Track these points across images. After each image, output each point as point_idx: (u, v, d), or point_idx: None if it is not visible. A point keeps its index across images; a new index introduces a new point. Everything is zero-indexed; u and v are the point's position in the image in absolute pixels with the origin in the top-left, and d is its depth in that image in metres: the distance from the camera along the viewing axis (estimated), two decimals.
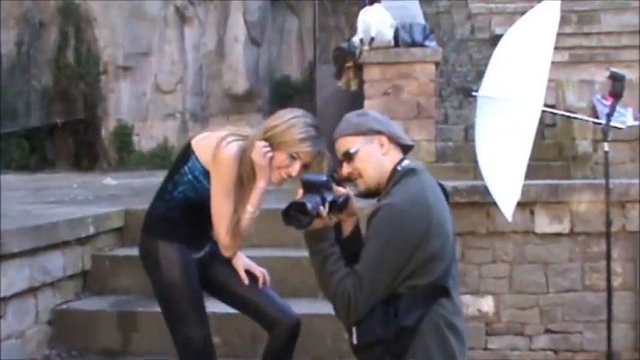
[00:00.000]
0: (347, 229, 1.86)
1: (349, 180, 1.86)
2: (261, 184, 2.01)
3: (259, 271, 2.27)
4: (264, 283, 2.26)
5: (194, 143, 2.08)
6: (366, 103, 4.96)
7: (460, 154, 5.31)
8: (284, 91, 9.03)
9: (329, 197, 1.73)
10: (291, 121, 1.99)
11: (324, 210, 1.70)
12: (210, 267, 2.21)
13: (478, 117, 3.45)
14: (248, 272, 2.25)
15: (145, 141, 8.61)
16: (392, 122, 1.90)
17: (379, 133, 1.82)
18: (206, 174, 2.04)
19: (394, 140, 1.84)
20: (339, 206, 1.78)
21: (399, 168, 1.79)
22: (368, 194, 1.84)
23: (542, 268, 3.45)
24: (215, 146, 1.99)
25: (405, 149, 1.88)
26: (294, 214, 1.65)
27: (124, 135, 8.51)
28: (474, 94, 3.59)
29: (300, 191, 1.74)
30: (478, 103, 3.49)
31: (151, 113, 8.63)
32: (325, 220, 1.73)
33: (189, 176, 2.06)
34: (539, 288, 3.45)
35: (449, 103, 6.80)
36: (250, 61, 8.74)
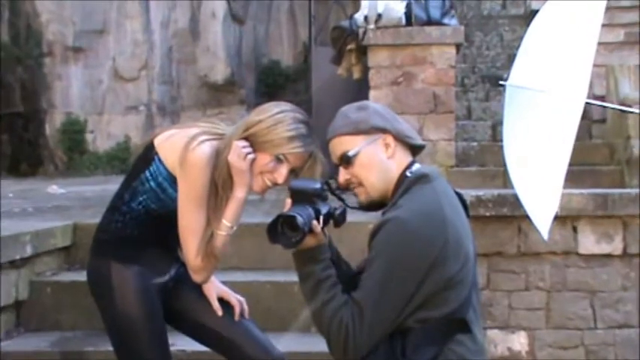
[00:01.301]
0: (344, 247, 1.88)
1: (347, 189, 1.87)
2: (239, 192, 2.02)
3: (236, 299, 2.26)
4: (242, 314, 2.26)
5: (158, 143, 2.09)
6: (372, 94, 4.96)
7: (486, 156, 5.32)
8: (273, 79, 9.07)
9: (324, 209, 1.74)
10: (278, 116, 1.99)
11: (317, 225, 1.70)
12: (177, 295, 2.21)
13: (507, 111, 3.45)
14: (222, 301, 2.25)
15: (101, 140, 8.62)
16: (399, 118, 1.91)
17: (384, 131, 1.83)
18: (172, 180, 2.05)
19: (402, 140, 1.85)
20: (336, 220, 1.78)
21: (408, 174, 1.80)
22: (370, 206, 1.85)
23: (587, 297, 3.46)
24: (183, 147, 2.00)
25: (416, 151, 1.89)
26: (282, 229, 1.66)
27: (74, 132, 8.52)
28: (503, 83, 3.60)
29: (289, 202, 1.75)
30: (507, 94, 3.50)
31: (109, 106, 8.65)
32: (319, 237, 1.74)
33: (152, 183, 2.07)
34: (585, 322, 3.45)
35: (473, 95, 6.83)
36: (231, 43, 8.77)
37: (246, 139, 2.00)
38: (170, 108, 8.74)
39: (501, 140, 3.63)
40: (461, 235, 1.73)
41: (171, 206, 2.05)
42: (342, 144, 1.84)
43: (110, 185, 5.47)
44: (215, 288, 2.25)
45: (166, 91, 8.76)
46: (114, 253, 2.10)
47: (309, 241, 1.72)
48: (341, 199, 1.86)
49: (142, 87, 8.67)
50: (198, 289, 2.22)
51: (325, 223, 1.74)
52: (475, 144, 5.57)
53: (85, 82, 8.58)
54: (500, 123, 4.41)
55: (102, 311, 2.13)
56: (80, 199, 5.35)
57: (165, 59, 8.72)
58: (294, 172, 2.03)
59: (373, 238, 1.73)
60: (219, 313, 2.22)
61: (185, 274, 2.14)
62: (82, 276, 2.55)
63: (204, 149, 2.00)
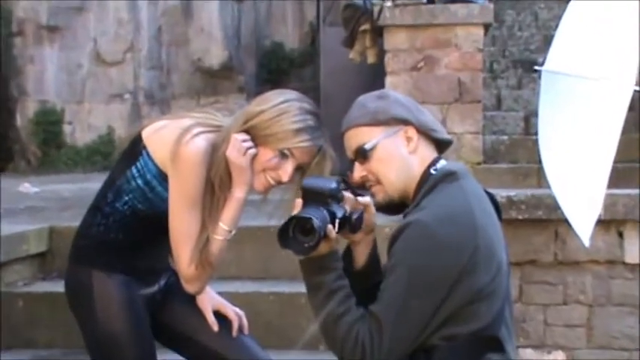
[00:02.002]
0: (360, 254, 1.88)
1: (363, 187, 1.88)
2: (239, 192, 2.02)
3: (234, 312, 2.27)
4: (241, 329, 2.26)
5: (146, 135, 2.09)
6: (388, 81, 4.96)
7: (518, 151, 5.32)
8: (275, 64, 9.08)
9: (339, 212, 1.75)
10: (282, 106, 2.00)
11: (333, 230, 1.72)
12: (166, 307, 2.22)
13: (543, 101, 3.45)
14: (218, 315, 2.25)
15: (80, 132, 8.65)
16: (423, 108, 1.91)
17: (405, 122, 1.83)
18: (162, 178, 2.05)
19: (426, 133, 1.85)
20: (352, 224, 1.80)
21: (432, 171, 1.80)
22: (389, 207, 1.85)
23: (635, 313, 3.46)
24: (176, 140, 2.00)
25: (441, 145, 1.89)
26: (294, 234, 1.67)
27: (50, 123, 8.54)
28: (538, 69, 3.59)
29: (300, 202, 1.76)
30: (543, 81, 3.49)
31: (89, 93, 8.67)
32: (332, 243, 1.75)
33: (139, 181, 2.07)
34: (632, 342, 3.45)
35: (503, 82, 6.83)
36: (229, 23, 8.78)
37: (246, 131, 2.00)
38: (159, 96, 8.75)
39: (536, 133, 3.64)
40: (493, 241, 1.73)
41: (160, 207, 2.06)
42: (358, 136, 1.84)
43: (91, 183, 5.48)
44: (210, 300, 2.25)
45: (155, 77, 8.77)
46: (95, 261, 2.11)
47: (322, 248, 1.72)
48: (362, 196, 1.87)
49: (127, 72, 8.69)
50: (191, 301, 2.22)
51: (340, 227, 1.75)
52: (505, 138, 5.57)
53: (61, 66, 8.60)
54: (535, 114, 4.41)
55: (81, 326, 2.13)
56: (57, 200, 5.37)
57: (154, 41, 8.74)
58: (300, 170, 2.03)
59: (393, 244, 1.72)
60: (215, 328, 2.22)
61: (176, 285, 2.14)
62: (58, 286, 2.56)
63: (198, 143, 2.00)
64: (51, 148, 8.54)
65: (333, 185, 1.77)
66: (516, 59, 7.12)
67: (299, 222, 1.67)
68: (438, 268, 1.67)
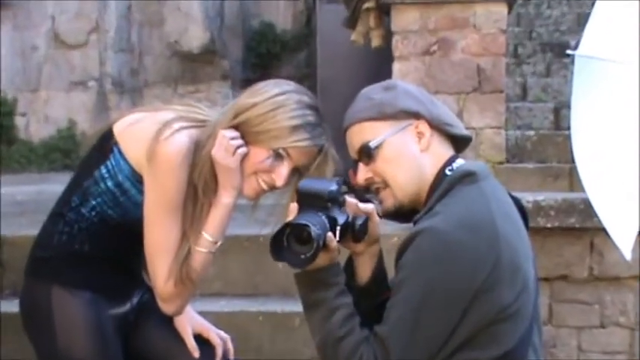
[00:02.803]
0: (364, 267, 1.89)
1: (367, 191, 1.90)
2: (226, 197, 2.04)
3: (218, 336, 2.28)
4: (226, 355, 2.28)
5: (118, 130, 2.11)
6: (396, 67, 4.96)
7: (547, 149, 5.32)
8: (265, 47, 9.07)
9: (341, 218, 1.77)
10: (278, 98, 2.01)
11: (333, 238, 1.73)
12: (140, 330, 2.23)
13: (577, 90, 3.46)
14: (200, 338, 2.26)
15: (36, 125, 8.64)
16: (436, 100, 1.93)
17: (416, 116, 1.85)
18: (136, 180, 2.07)
19: (440, 128, 1.87)
20: (356, 232, 1.81)
21: (447, 171, 1.82)
22: (398, 214, 1.87)
23: None
24: (152, 136, 2.01)
25: (458, 142, 1.91)
26: (289, 243, 1.68)
27: None
28: (570, 53, 3.60)
29: (295, 207, 1.78)
30: (577, 67, 3.50)
31: (47, 80, 8.65)
32: (333, 254, 1.76)
33: (109, 183, 2.09)
34: None
35: (530, 68, 6.84)
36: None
37: (235, 127, 2.02)
38: (130, 84, 8.74)
39: (568, 128, 3.64)
40: (518, 253, 1.74)
41: (134, 214, 2.07)
42: (363, 132, 1.86)
43: (49, 185, 5.48)
44: (190, 321, 2.27)
45: (124, 61, 8.75)
46: (56, 275, 2.12)
47: (321, 259, 1.73)
48: (367, 200, 1.89)
49: (91, 56, 8.67)
50: (168, 322, 2.23)
51: (342, 236, 1.76)
52: (532, 133, 5.56)
53: (14, 49, 8.58)
54: (567, 105, 4.42)
55: (38, 351, 2.13)
56: (9, 204, 5.35)
57: (123, 20, 8.73)
58: (297, 173, 2.04)
59: (401, 255, 1.74)
60: (196, 354, 2.23)
61: (151, 303, 2.16)
62: (12, 306, 2.57)
63: (179, 140, 2.01)
64: (1, 143, 8.52)
65: (333, 187, 1.78)
66: (545, 42, 7.13)
67: (294, 230, 1.68)
68: (453, 283, 1.68)
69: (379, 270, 1.90)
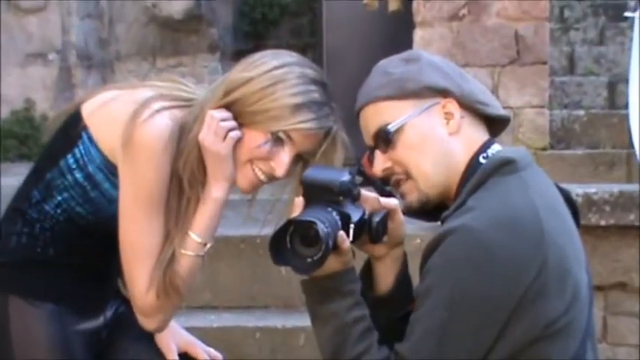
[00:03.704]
0: (385, 274, 1.90)
1: (387, 184, 1.90)
2: (216, 191, 2.05)
3: (207, 354, 2.30)
4: None
5: (88, 112, 2.11)
6: (417, 35, 4.97)
7: (599, 132, 5.31)
8: (260, 12, 9.06)
9: (355, 214, 1.77)
10: (277, 72, 2.02)
11: (346, 238, 1.74)
12: (115, 348, 2.25)
13: (636, 60, 3.45)
14: (187, 357, 2.28)
15: None
16: (467, 74, 1.93)
17: (443, 93, 1.86)
18: (110, 171, 2.08)
19: (472, 107, 1.87)
20: (373, 231, 1.82)
21: (481, 159, 1.83)
22: (423, 210, 1.87)
23: None
24: (129, 119, 2.02)
25: (494, 124, 1.91)
26: (292, 244, 1.69)
27: None
28: (629, 15, 3.60)
29: (301, 202, 1.78)
30: (636, 33, 3.49)
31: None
32: (345, 258, 1.77)
33: (78, 175, 2.09)
34: None
35: (579, 35, 6.83)
36: None
37: (227, 107, 2.03)
38: (98, 56, 8.74)
39: (625, 106, 3.64)
40: (567, 255, 1.74)
41: (107, 211, 2.08)
42: (380, 113, 1.86)
43: (3, 178, 5.47)
44: (175, 337, 2.29)
45: (92, 29, 8.75)
46: (14, 284, 2.13)
47: (332, 264, 1.74)
48: (389, 194, 1.89)
49: (52, 23, 8.67)
50: (148, 339, 2.25)
51: (357, 235, 1.76)
52: (582, 113, 5.57)
53: None
54: (624, 79, 4.41)
55: None
56: None
57: None
58: (301, 160, 2.06)
59: (427, 259, 1.74)
60: None
61: (128, 317, 2.17)
62: None
63: (161, 122, 2.02)
64: None
65: (345, 177, 1.79)
66: (597, 3, 7.10)
67: (298, 228, 1.68)
68: (490, 293, 1.67)
69: (403, 277, 1.91)
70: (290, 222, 1.69)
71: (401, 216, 1.88)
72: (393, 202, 1.87)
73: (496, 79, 4.87)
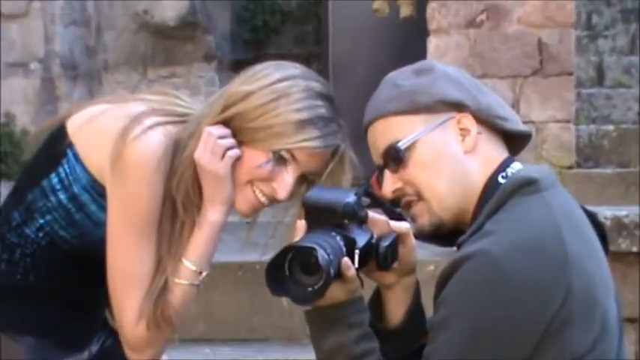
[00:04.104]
0: (395, 305, 1.91)
1: (396, 205, 1.90)
2: (213, 214, 2.06)
3: None
4: None
5: (74, 128, 2.12)
6: (432, 44, 4.98)
7: (630, 149, 5.30)
8: (261, 19, 9.08)
9: (361, 238, 1.78)
10: (280, 85, 2.03)
11: (351, 265, 1.74)
12: None
13: None
14: None
15: None
16: (484, 87, 1.94)
17: (458, 107, 1.87)
18: (97, 192, 2.08)
19: (490, 122, 1.88)
20: (382, 257, 1.82)
21: (500, 179, 1.83)
22: (436, 234, 1.88)
23: None
24: (119, 135, 2.02)
25: (514, 141, 1.92)
26: (292, 272, 1.69)
27: None
28: None
29: (303, 225, 1.79)
30: None
31: None
32: (351, 286, 1.77)
33: (62, 196, 2.10)
34: None
35: (607, 43, 6.83)
36: None
37: (225, 123, 2.04)
38: (85, 67, 8.73)
39: None
40: (595, 284, 1.73)
41: (94, 235, 2.09)
42: (389, 129, 1.87)
43: None
44: None
45: (77, 37, 8.76)
46: None
47: (337, 293, 1.74)
48: (400, 217, 1.89)
49: (34, 30, 8.68)
50: None
51: (363, 262, 1.77)
52: (611, 128, 5.56)
53: None
54: None
55: None
56: None
57: None
58: (305, 181, 2.07)
59: (442, 287, 1.74)
60: None
61: (116, 351, 2.17)
62: None
63: (153, 140, 2.03)
64: None
65: (351, 199, 1.79)
66: (628, 8, 7.10)
67: (298, 254, 1.68)
68: (510, 325, 1.67)
69: (415, 308, 1.91)
70: (289, 248, 1.70)
71: (412, 240, 1.89)
72: (403, 225, 1.88)
73: (517, 92, 4.87)
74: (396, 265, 1.87)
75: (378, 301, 1.92)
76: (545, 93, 4.93)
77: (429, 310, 1.83)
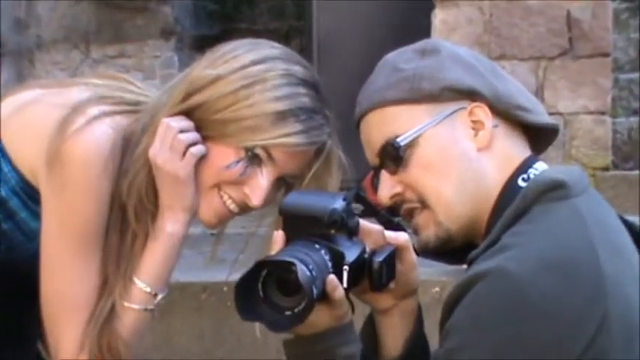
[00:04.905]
0: (393, 333, 1.90)
1: (394, 214, 1.91)
2: (171, 225, 2.06)
3: None
4: None
5: (1, 119, 2.12)
6: (438, 19, 5.00)
7: None
8: None
9: (350, 252, 1.77)
10: (254, 69, 2.04)
11: (338, 285, 1.73)
12: None
13: None
14: None
15: None
16: (502, 70, 1.94)
17: (470, 95, 1.87)
18: (30, 196, 2.09)
19: (509, 114, 1.89)
20: (376, 274, 1.81)
21: (521, 182, 1.83)
22: (443, 248, 1.88)
23: None
24: (57, 128, 2.02)
25: (537, 137, 1.93)
26: (266, 292, 1.68)
27: None
28: None
29: (281, 237, 1.79)
30: None
31: None
32: (339, 310, 1.76)
33: None
34: None
35: None
36: None
37: (187, 114, 2.04)
38: (13, 44, 8.77)
39: None
40: (634, 308, 1.73)
41: (24, 248, 2.10)
42: (387, 122, 1.87)
43: None
44: None
45: (5, 9, 8.79)
46: None
47: (322, 319, 1.74)
48: (397, 226, 1.89)
49: None
50: None
51: (353, 281, 1.75)
52: None
53: None
54: None
55: None
56: None
57: None
58: (284, 185, 2.08)
59: (450, 313, 1.73)
60: None
61: None
62: None
63: (99, 134, 2.03)
64: None
65: (338, 204, 1.78)
66: None
67: (274, 270, 1.67)
68: (535, 357, 1.66)
69: (416, 338, 1.91)
70: (262, 263, 1.68)
71: (413, 255, 1.88)
72: (402, 236, 1.87)
73: (541, 77, 4.88)
74: (392, 285, 1.86)
75: (371, 330, 1.92)
76: (575, 78, 4.93)
77: (433, 340, 1.82)
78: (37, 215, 2.07)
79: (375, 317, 1.92)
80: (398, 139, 1.85)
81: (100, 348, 2.05)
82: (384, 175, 1.88)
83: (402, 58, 1.92)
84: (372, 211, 1.91)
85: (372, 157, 1.90)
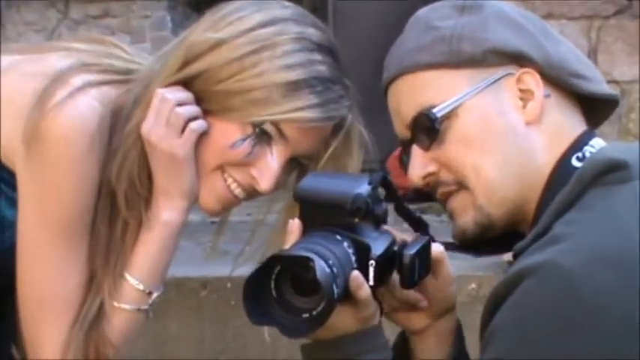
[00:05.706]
0: (429, 344, 1.91)
1: (427, 197, 1.91)
2: (167, 212, 2.08)
3: None
4: None
5: None
6: None
7: None
8: None
9: (378, 244, 1.78)
10: (262, 32, 2.05)
11: (363, 282, 1.74)
12: None
13: None
14: None
15: None
16: (553, 30, 1.94)
17: (518, 60, 1.87)
18: (4, 179, 2.10)
19: (562, 82, 1.89)
20: (408, 271, 1.82)
21: (575, 161, 1.84)
22: (483, 236, 1.89)
23: None
24: (35, 101, 2.03)
25: (595, 109, 1.92)
26: (280, 292, 1.69)
27: None
28: None
29: (298, 227, 1.80)
30: None
31: None
32: (364, 313, 1.77)
33: None
34: None
35: None
36: None
37: (185, 85, 2.05)
38: None
39: None
40: None
41: None
42: (420, 90, 1.88)
43: None
44: None
45: None
46: None
47: (343, 321, 1.75)
48: (421, 223, 1.89)
49: None
50: None
51: (381, 278, 1.77)
52: None
53: None
54: None
55: None
56: None
57: None
58: (297, 166, 2.11)
59: (494, 313, 1.73)
60: None
61: None
62: None
63: (83, 108, 2.04)
64: None
65: (363, 189, 1.79)
66: None
67: (289, 266, 1.68)
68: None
69: (456, 349, 1.91)
70: (276, 258, 1.69)
71: (449, 269, 1.89)
72: (437, 248, 1.87)
73: (594, 39, 4.88)
74: (431, 280, 1.87)
75: (404, 350, 1.92)
76: (632, 41, 4.92)
77: (471, 346, 1.83)
78: (12, 202, 2.08)
79: (409, 338, 1.93)
80: (433, 110, 1.85)
81: (86, 354, 2.06)
82: (416, 150, 1.88)
83: (437, 15, 1.92)
84: (393, 197, 1.89)
85: (401, 129, 1.91)
